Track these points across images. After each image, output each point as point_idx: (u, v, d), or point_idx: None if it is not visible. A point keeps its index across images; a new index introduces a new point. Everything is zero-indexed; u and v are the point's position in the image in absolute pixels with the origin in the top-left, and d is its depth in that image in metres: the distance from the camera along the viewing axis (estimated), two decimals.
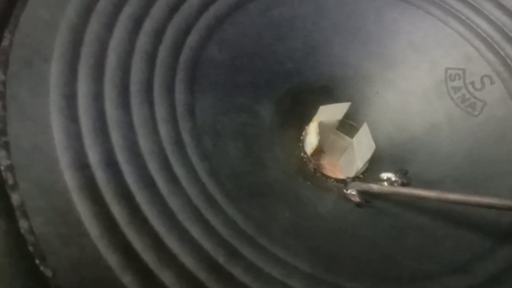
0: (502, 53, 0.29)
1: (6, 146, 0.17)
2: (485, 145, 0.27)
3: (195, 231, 0.19)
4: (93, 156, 0.18)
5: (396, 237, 0.24)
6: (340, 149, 0.33)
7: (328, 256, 0.21)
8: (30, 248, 0.15)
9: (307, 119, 0.31)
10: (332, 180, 0.29)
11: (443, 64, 0.30)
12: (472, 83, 0.29)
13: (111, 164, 0.18)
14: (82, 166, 0.18)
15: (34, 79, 0.19)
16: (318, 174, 0.29)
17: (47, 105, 0.19)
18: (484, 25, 0.30)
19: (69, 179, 0.17)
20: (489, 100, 0.28)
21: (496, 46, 0.29)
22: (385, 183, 0.28)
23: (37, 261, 0.15)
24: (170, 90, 0.23)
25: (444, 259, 0.22)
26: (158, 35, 0.23)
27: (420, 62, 0.30)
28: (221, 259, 0.18)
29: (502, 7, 0.30)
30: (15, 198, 0.16)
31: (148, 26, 0.23)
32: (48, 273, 0.15)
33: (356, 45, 0.30)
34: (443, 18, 0.30)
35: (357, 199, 0.26)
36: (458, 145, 0.28)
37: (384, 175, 0.28)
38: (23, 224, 0.15)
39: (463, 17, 0.30)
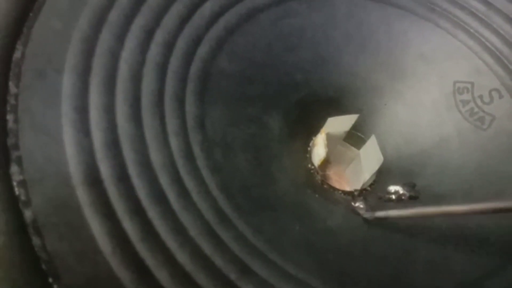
0: (511, 67, 0.29)
1: (19, 161, 0.17)
2: (495, 159, 0.27)
3: (207, 247, 0.18)
4: (105, 171, 0.18)
5: (407, 252, 0.23)
6: (347, 160, 0.33)
7: (340, 272, 0.21)
8: (44, 266, 0.15)
9: (315, 130, 0.31)
10: (340, 192, 0.29)
11: (451, 77, 0.30)
12: (481, 96, 0.29)
13: (123, 178, 0.18)
14: (94, 181, 0.18)
15: (47, 90, 0.19)
16: (325, 186, 0.29)
17: (59, 117, 0.19)
18: (493, 38, 0.30)
19: (82, 194, 0.17)
20: (498, 114, 0.28)
21: (505, 60, 0.29)
22: (393, 196, 0.28)
23: (51, 280, 0.15)
24: (180, 102, 0.23)
25: (455, 275, 0.22)
26: (169, 46, 0.23)
27: (429, 74, 0.30)
28: (232, 276, 0.18)
29: (511, 21, 0.30)
30: (28, 214, 0.16)
31: (159, 37, 0.23)
32: None
33: (366, 56, 0.30)
34: (452, 31, 0.30)
35: (365, 213, 0.26)
36: (468, 159, 0.28)
37: (392, 188, 0.28)
38: (36, 242, 0.15)
39: (472, 30, 0.30)
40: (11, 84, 0.18)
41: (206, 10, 0.25)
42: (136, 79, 0.21)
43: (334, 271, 0.21)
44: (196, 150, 0.22)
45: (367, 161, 0.31)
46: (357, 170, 0.32)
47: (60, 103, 0.19)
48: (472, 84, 0.29)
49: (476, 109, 0.29)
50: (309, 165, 0.30)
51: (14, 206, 0.16)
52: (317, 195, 0.27)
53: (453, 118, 0.29)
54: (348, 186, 0.32)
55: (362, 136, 0.31)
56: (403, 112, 0.30)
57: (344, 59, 0.30)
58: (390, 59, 0.30)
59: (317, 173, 0.29)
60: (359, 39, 0.30)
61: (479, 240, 0.24)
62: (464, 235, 0.24)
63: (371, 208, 0.27)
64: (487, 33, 0.30)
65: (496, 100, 0.29)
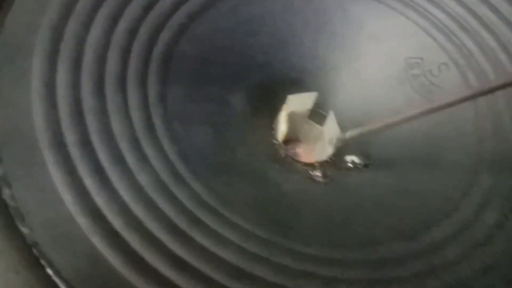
0: (458, 42, 0.31)
1: None
2: (439, 126, 0.29)
3: (161, 202, 0.21)
4: (69, 137, 0.21)
5: (352, 209, 0.26)
6: (314, 137, 0.35)
7: (286, 225, 0.23)
8: (11, 211, 0.17)
9: (279, 109, 0.33)
10: (301, 164, 0.31)
11: (403, 54, 0.32)
12: (430, 70, 0.31)
13: (85, 143, 0.21)
14: (59, 145, 0.20)
15: (16, 73, 0.22)
16: (288, 159, 0.31)
17: (29, 93, 0.21)
18: (441, 16, 0.32)
19: (47, 155, 0.20)
20: (445, 86, 0.31)
21: (452, 36, 0.32)
22: (350, 165, 0.30)
23: (17, 221, 0.17)
24: (143, 81, 0.25)
25: (394, 228, 0.24)
26: (133, 32, 0.26)
27: (382, 53, 0.32)
28: (183, 225, 0.21)
29: None
30: None
31: (123, 24, 0.26)
32: (26, 230, 0.17)
33: (323, 39, 0.33)
34: (404, 11, 0.33)
35: (321, 179, 0.29)
36: (416, 128, 0.30)
37: (348, 158, 0.30)
38: (5, 192, 0.18)
39: (421, 9, 0.32)
40: None
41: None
42: (101, 61, 0.24)
43: (280, 224, 0.23)
44: (157, 122, 0.24)
45: (329, 136, 0.33)
46: (323, 146, 0.34)
47: (30, 81, 0.22)
48: (422, 59, 0.32)
49: (426, 82, 0.31)
50: (274, 141, 0.32)
51: None
52: (277, 166, 0.29)
53: (404, 91, 0.31)
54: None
55: (324, 113, 0.34)
56: (359, 89, 0.32)
57: (304, 43, 0.33)
58: (345, 41, 0.33)
59: (282, 147, 0.32)
60: (317, 23, 0.33)
61: (420, 198, 0.26)
62: (407, 194, 0.26)
63: (328, 176, 0.29)
64: (435, 11, 0.32)
65: (444, 73, 0.31)
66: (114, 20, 0.26)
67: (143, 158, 0.22)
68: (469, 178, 0.26)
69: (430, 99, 0.30)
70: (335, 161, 0.31)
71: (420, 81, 0.31)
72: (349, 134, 0.28)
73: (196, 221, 0.21)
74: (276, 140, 0.32)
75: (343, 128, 0.32)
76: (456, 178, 0.26)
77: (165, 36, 0.27)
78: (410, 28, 0.32)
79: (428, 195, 0.26)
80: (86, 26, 0.25)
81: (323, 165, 0.31)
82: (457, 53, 0.31)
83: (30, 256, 0.17)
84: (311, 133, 0.36)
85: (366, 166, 0.30)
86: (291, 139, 0.36)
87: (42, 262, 0.17)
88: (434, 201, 0.26)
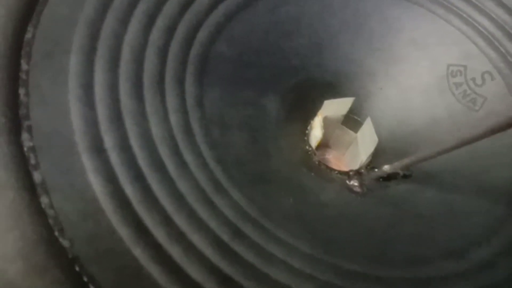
0: (503, 50, 0.30)
1: (29, 130, 0.18)
2: (485, 140, 0.28)
3: (202, 212, 0.20)
4: (108, 141, 0.20)
5: (395, 224, 0.25)
6: (345, 144, 0.34)
7: (328, 240, 0.22)
8: (50, 221, 0.16)
9: (313, 114, 0.32)
10: (336, 172, 0.30)
11: (444, 61, 0.31)
12: (473, 79, 0.30)
13: (124, 148, 0.20)
14: (98, 150, 0.19)
15: (55, 69, 0.21)
16: (322, 166, 0.30)
17: (66, 93, 0.20)
18: (485, 22, 0.31)
19: (86, 161, 0.19)
20: (490, 96, 0.29)
21: (497, 43, 0.30)
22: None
23: (56, 233, 0.16)
24: (180, 82, 0.24)
25: (440, 245, 0.23)
26: (170, 30, 0.25)
27: (422, 58, 0.31)
28: (225, 237, 0.19)
29: (503, 5, 0.31)
30: (36, 176, 0.17)
31: (160, 22, 0.25)
32: (66, 243, 0.16)
33: (361, 42, 0.31)
34: (445, 16, 0.31)
35: (359, 189, 0.27)
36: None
37: (386, 167, 0.29)
38: (44, 200, 0.17)
39: (464, 15, 0.31)
40: (22, 62, 0.20)
41: None
42: (139, 60, 0.23)
43: (322, 238, 0.22)
44: (195, 126, 0.23)
45: (364, 143, 0.32)
46: (355, 153, 0.33)
47: (67, 80, 0.20)
48: (465, 67, 0.30)
49: (468, 91, 0.30)
50: (307, 147, 0.31)
51: (25, 168, 0.17)
52: (312, 174, 0.28)
53: (445, 100, 0.30)
54: (347, 168, 0.33)
55: (359, 119, 0.33)
56: (396, 96, 0.31)
57: (340, 46, 0.31)
58: (384, 45, 0.31)
59: (314, 154, 0.31)
60: (355, 26, 0.31)
61: (465, 213, 0.25)
62: (452, 209, 0.25)
63: (366, 186, 0.28)
64: (479, 18, 0.31)
65: (488, 82, 0.30)
66: (151, 17, 0.24)
67: (182, 164, 0.21)
68: None
69: (474, 110, 0.29)
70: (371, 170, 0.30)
71: (463, 90, 0.30)
72: (391, 167, 0.27)
73: (238, 234, 0.20)
74: (310, 146, 0.31)
75: (378, 135, 0.31)
76: (503, 193, 0.25)
77: (202, 35, 0.26)
78: (452, 34, 0.31)
79: (474, 210, 0.25)
80: (124, 23, 0.23)
81: (358, 173, 0.30)
82: (502, 62, 0.30)
83: (72, 272, 0.16)
84: (342, 139, 0.35)
85: (404, 176, 0.28)
86: (320, 145, 0.35)
87: (85, 278, 0.16)
88: (480, 216, 0.25)
